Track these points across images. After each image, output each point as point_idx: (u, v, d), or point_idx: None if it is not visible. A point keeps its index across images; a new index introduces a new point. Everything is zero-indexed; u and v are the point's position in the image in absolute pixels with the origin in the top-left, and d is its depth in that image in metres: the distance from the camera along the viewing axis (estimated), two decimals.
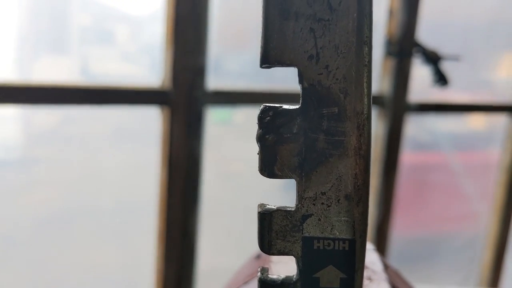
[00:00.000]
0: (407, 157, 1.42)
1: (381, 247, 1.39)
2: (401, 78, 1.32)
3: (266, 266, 0.34)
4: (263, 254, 0.21)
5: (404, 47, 1.29)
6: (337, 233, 0.21)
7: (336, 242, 0.21)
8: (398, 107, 1.33)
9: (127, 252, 1.35)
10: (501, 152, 1.55)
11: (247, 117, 1.46)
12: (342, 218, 0.20)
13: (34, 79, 1.05)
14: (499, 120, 1.58)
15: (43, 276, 1.21)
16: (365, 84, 0.20)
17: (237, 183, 1.48)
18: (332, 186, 0.20)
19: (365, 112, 0.20)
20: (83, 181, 1.25)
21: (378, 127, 1.36)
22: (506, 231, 1.52)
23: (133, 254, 1.35)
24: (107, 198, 1.29)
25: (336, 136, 0.20)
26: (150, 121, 1.13)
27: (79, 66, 1.24)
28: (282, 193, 1.33)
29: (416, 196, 1.64)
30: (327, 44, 0.20)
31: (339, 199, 0.20)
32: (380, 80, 1.34)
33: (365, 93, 0.20)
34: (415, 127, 1.50)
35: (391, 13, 1.29)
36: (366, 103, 0.20)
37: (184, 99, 1.08)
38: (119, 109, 1.12)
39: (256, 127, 0.21)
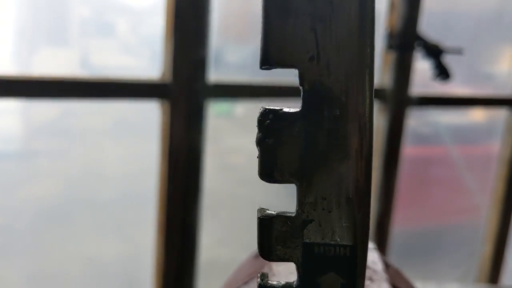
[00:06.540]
0: (408, 150, 1.41)
1: (382, 241, 1.39)
2: (402, 72, 1.31)
3: (266, 265, 0.34)
4: None
5: (406, 40, 1.28)
6: (338, 239, 0.20)
7: (337, 248, 0.20)
8: (400, 100, 1.33)
9: (128, 244, 1.35)
10: (501, 145, 1.55)
11: (247, 110, 1.46)
12: (343, 224, 0.20)
13: (33, 72, 1.05)
14: (500, 113, 1.57)
15: (43, 267, 1.22)
16: (367, 86, 0.19)
17: (237, 175, 1.48)
18: (333, 190, 0.20)
19: (366, 113, 0.20)
20: (83, 174, 1.25)
21: (379, 120, 1.35)
22: (506, 224, 1.52)
23: (134, 246, 1.35)
24: (108, 190, 1.29)
25: (337, 139, 0.20)
26: (150, 114, 1.12)
27: (79, 58, 1.23)
28: (282, 189, 1.32)
29: (417, 189, 1.63)
30: (328, 44, 0.19)
31: (340, 204, 0.20)
32: (381, 74, 1.33)
33: (367, 94, 0.19)
34: (416, 121, 1.50)
35: (392, 5, 1.28)
36: (367, 104, 0.19)
37: (184, 91, 1.07)
38: (119, 102, 1.12)
39: (256, 123, 0.21)
